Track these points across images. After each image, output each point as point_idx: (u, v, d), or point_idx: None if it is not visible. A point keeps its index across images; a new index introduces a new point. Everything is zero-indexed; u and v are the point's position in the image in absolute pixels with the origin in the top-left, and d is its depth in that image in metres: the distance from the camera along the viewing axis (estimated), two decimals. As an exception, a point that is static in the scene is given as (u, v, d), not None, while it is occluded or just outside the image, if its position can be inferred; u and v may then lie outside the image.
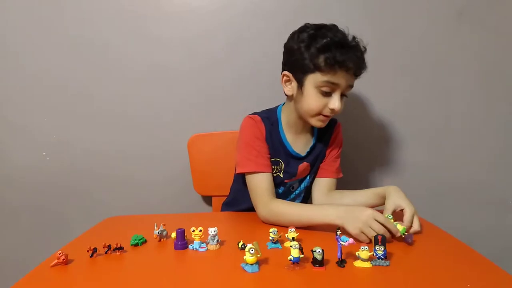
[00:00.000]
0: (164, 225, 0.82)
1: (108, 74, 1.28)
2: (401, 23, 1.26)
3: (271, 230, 0.75)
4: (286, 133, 1.04)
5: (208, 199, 1.34)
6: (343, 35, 0.92)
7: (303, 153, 1.04)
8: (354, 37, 0.93)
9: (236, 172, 1.01)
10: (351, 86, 0.94)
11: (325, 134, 1.07)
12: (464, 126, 1.31)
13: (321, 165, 1.08)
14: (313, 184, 1.09)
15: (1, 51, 1.27)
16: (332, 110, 0.92)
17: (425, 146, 1.32)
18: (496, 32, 1.26)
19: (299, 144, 1.05)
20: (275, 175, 1.02)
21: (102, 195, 1.34)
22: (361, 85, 1.27)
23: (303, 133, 1.06)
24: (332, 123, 1.08)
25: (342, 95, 0.93)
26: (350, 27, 1.27)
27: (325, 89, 0.90)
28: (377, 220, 0.75)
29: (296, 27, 1.04)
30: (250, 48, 1.27)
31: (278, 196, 1.00)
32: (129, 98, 1.30)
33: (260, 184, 0.96)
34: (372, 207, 0.84)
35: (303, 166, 1.04)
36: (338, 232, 0.68)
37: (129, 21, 1.25)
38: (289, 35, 0.99)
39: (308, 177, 1.08)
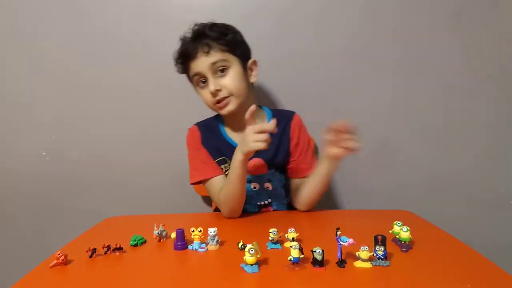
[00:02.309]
0: (164, 225, 0.81)
1: (108, 75, 1.28)
2: (401, 23, 1.25)
3: (271, 230, 0.75)
4: (230, 130, 1.05)
5: (208, 199, 1.34)
6: (192, 31, 0.97)
7: None
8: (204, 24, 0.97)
9: (190, 183, 1.04)
10: (220, 61, 0.93)
11: (280, 128, 1.01)
12: (464, 126, 1.30)
13: (290, 166, 1.05)
14: (291, 187, 1.06)
15: (0, 50, 1.27)
16: (213, 93, 0.94)
17: (425, 145, 1.32)
18: (496, 32, 1.25)
19: None
20: (227, 173, 1.01)
21: (102, 195, 1.34)
22: (361, 84, 1.28)
23: None
24: (288, 116, 1.06)
25: (221, 71, 0.94)
26: (350, 27, 1.27)
27: (197, 81, 0.97)
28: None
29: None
30: (250, 48, 1.26)
31: (246, 198, 0.99)
32: (128, 98, 1.30)
33: (213, 188, 1.00)
34: (327, 174, 0.94)
35: (254, 161, 1.00)
36: (338, 233, 0.67)
37: (129, 21, 1.25)
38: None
39: (277, 173, 1.04)
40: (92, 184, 1.34)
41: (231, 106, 0.97)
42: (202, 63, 0.93)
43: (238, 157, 0.90)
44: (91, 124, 1.31)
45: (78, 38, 1.26)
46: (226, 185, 0.95)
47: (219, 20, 1.24)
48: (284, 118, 1.05)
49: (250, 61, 1.00)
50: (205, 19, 1.24)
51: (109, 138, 1.32)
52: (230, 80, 0.94)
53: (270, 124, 0.84)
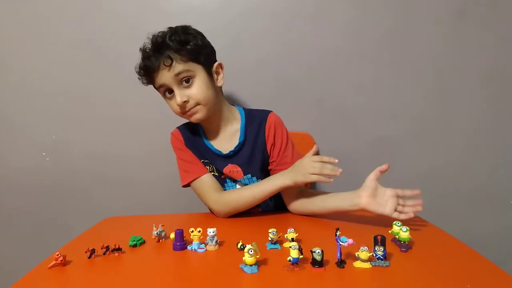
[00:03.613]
0: (163, 225, 0.81)
1: (107, 75, 1.28)
2: (402, 23, 1.25)
3: (270, 230, 0.75)
4: (208, 133, 1.04)
5: (207, 200, 1.33)
6: (151, 43, 0.93)
7: (225, 152, 1.01)
8: (164, 33, 0.92)
9: (181, 186, 1.03)
10: (184, 72, 0.90)
11: (254, 131, 1.01)
12: (465, 127, 1.30)
13: (270, 167, 1.03)
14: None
15: (0, 51, 1.27)
16: (180, 105, 0.92)
17: (426, 147, 1.31)
18: (497, 32, 1.25)
19: (222, 142, 1.03)
20: (212, 174, 1.02)
21: (101, 196, 1.34)
22: (361, 85, 1.28)
23: (226, 131, 1.03)
24: (262, 116, 1.03)
25: (186, 81, 0.91)
26: (350, 27, 1.27)
27: (163, 92, 0.95)
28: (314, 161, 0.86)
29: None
30: (250, 48, 1.26)
31: None
32: (128, 98, 1.29)
33: (203, 186, 1.00)
34: (341, 211, 0.90)
35: (229, 168, 1.01)
36: (338, 233, 0.67)
37: (128, 21, 1.25)
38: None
39: (253, 178, 1.03)
40: (91, 184, 1.33)
41: (199, 115, 0.94)
42: (165, 75, 0.91)
43: (284, 181, 0.91)
44: (90, 124, 1.31)
45: (78, 37, 1.26)
46: (243, 193, 0.96)
47: (217, 18, 1.24)
48: (258, 119, 1.02)
49: (215, 65, 0.97)
50: (205, 18, 1.25)
51: (109, 138, 1.31)
52: (197, 90, 0.92)
53: (330, 158, 0.86)
